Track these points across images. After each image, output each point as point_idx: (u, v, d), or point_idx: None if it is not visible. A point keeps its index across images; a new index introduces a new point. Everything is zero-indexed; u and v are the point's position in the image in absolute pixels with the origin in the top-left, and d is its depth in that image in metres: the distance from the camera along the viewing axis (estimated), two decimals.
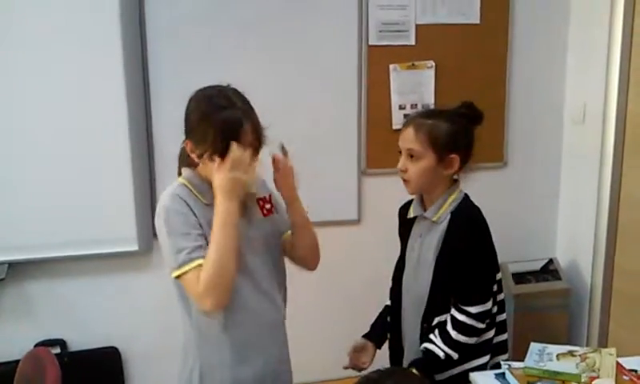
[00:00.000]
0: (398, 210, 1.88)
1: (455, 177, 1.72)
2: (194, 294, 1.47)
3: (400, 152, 1.69)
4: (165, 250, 1.50)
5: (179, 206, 1.49)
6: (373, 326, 1.93)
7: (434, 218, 1.69)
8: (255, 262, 1.58)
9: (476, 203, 1.73)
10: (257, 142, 1.50)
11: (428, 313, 1.69)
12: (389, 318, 1.88)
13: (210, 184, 1.51)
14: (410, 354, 1.77)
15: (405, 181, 1.70)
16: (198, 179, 1.55)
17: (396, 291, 1.84)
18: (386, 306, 1.91)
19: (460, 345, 1.64)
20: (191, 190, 1.54)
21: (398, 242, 1.87)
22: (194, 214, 1.50)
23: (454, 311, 1.65)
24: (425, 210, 1.73)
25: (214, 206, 1.50)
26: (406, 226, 1.82)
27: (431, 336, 1.66)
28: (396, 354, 1.85)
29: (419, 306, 1.71)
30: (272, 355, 1.65)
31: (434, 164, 1.64)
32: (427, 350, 1.65)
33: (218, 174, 1.45)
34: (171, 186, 1.56)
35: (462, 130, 1.66)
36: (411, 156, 1.65)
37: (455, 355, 1.64)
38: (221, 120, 1.44)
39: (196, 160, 1.51)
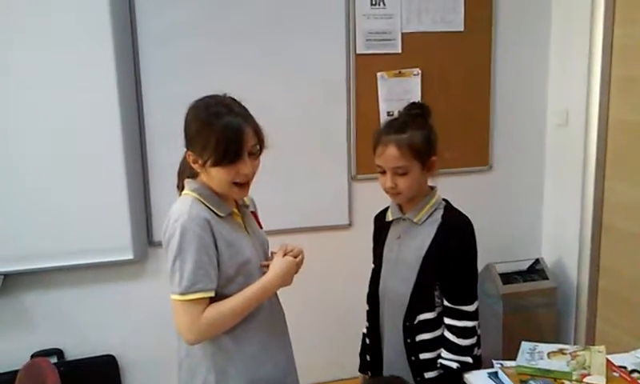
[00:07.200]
0: (373, 219, 1.94)
1: (431, 183, 1.79)
2: (184, 323, 1.47)
3: (382, 172, 1.72)
4: (170, 267, 1.48)
5: (199, 229, 1.46)
6: (360, 356, 2.00)
7: (416, 219, 1.74)
8: (264, 270, 1.61)
9: (463, 206, 1.79)
10: (258, 147, 1.52)
11: (410, 311, 1.74)
12: (367, 323, 1.94)
13: (220, 195, 1.54)
14: (389, 355, 1.83)
15: (395, 194, 1.73)
16: (207, 191, 1.53)
17: (374, 295, 1.89)
18: (364, 335, 1.97)
19: (469, 348, 1.70)
20: (206, 205, 1.51)
21: None
22: (212, 234, 1.48)
23: (451, 320, 1.70)
24: (403, 213, 1.79)
25: (229, 218, 1.55)
26: (382, 230, 1.88)
27: (442, 353, 1.71)
28: (376, 357, 1.91)
29: (399, 305, 1.76)
30: (282, 359, 1.68)
31: (419, 172, 1.70)
32: (442, 366, 1.71)
33: (281, 256, 1.60)
34: (183, 201, 1.52)
35: (431, 131, 1.73)
36: (398, 173, 1.69)
37: (470, 359, 1.70)
38: (222, 126, 1.44)
39: (198, 170, 1.51)
